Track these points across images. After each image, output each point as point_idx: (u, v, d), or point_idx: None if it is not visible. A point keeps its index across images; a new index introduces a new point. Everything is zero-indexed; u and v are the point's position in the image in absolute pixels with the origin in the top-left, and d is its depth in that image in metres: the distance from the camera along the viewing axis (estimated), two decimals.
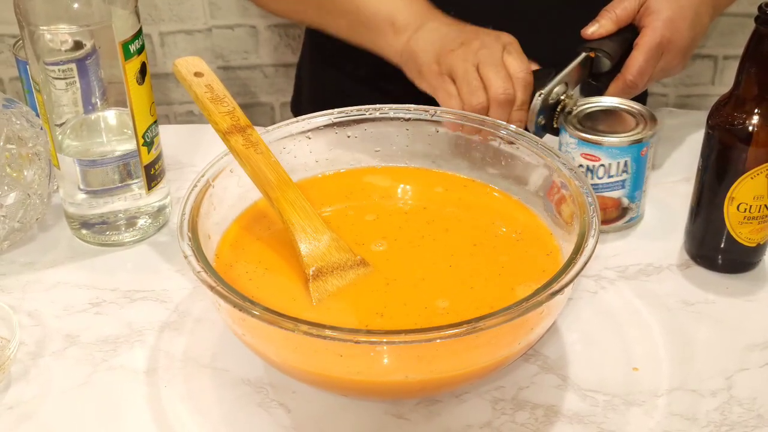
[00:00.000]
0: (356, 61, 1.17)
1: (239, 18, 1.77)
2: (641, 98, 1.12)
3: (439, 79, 0.94)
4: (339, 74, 1.23)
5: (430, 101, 0.94)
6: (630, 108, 0.92)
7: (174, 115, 1.90)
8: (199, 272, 0.68)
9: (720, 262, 0.87)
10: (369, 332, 0.64)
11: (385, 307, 0.74)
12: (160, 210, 0.94)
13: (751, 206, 0.82)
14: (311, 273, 0.75)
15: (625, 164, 0.88)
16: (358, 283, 0.76)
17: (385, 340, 0.65)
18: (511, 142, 0.84)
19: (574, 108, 0.92)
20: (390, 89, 1.02)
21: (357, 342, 0.63)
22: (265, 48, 1.80)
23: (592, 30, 0.97)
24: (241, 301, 0.66)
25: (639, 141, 0.87)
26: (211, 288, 0.67)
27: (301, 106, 1.35)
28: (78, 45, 0.85)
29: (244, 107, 1.87)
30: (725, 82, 0.83)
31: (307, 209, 0.78)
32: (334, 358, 0.66)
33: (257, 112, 1.89)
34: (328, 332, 0.63)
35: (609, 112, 0.92)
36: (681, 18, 0.96)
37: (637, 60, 0.95)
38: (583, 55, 0.95)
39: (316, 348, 0.66)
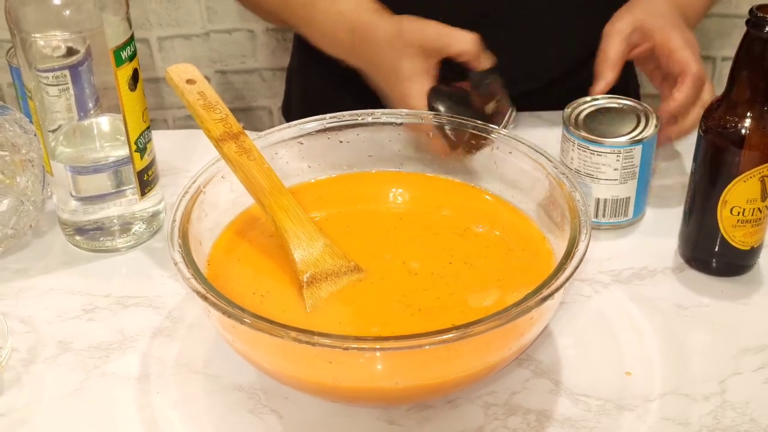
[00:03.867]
0: (345, 66, 1.17)
1: (237, 22, 1.77)
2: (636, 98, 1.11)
3: None
4: (326, 79, 1.23)
5: None
6: (632, 106, 0.91)
7: (173, 119, 1.90)
8: (188, 279, 0.68)
9: (714, 265, 0.87)
10: (358, 339, 0.64)
11: (380, 312, 0.74)
12: (155, 215, 0.94)
13: (744, 209, 0.82)
14: (305, 279, 0.75)
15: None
16: (352, 289, 0.76)
17: (376, 346, 0.65)
18: (505, 146, 0.84)
19: (576, 108, 0.92)
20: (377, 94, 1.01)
21: (346, 348, 0.63)
22: (263, 52, 1.80)
23: (600, 88, 0.94)
24: (230, 308, 0.65)
25: (642, 140, 0.87)
26: (201, 295, 0.67)
27: (291, 110, 1.35)
28: (71, 51, 0.85)
29: (242, 111, 1.88)
30: (724, 84, 0.83)
31: (300, 215, 0.78)
32: (324, 365, 0.66)
33: (255, 117, 1.89)
34: (317, 339, 0.63)
35: (610, 111, 0.92)
36: (676, 24, 0.97)
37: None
38: None
39: (306, 355, 0.66)
